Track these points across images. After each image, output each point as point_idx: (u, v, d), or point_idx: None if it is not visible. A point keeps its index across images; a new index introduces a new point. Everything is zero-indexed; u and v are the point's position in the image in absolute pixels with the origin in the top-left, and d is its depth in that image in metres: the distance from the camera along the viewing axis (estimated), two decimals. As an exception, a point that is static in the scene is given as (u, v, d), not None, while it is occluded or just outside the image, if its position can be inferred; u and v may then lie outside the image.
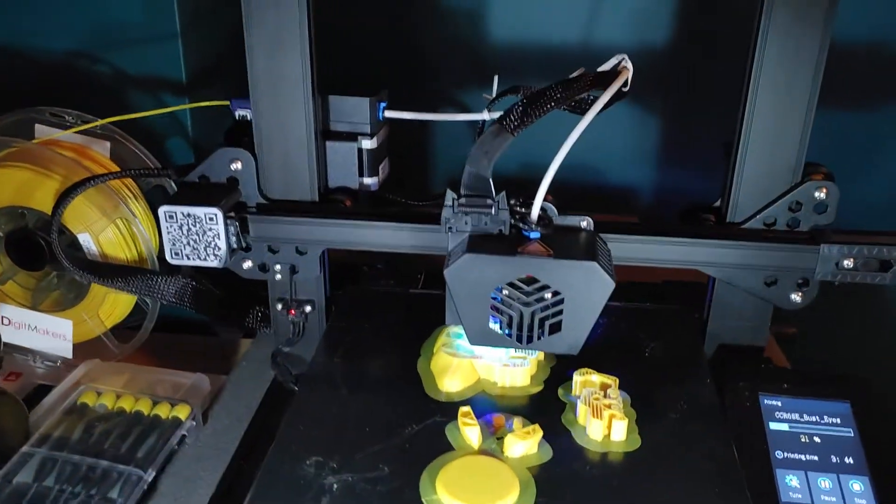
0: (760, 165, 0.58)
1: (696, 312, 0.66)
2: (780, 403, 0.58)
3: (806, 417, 0.58)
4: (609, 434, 0.53)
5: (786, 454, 0.55)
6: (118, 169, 0.71)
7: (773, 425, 0.57)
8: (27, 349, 0.75)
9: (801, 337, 0.87)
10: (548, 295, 0.53)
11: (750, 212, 0.60)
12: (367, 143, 0.63)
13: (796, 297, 0.60)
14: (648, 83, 0.85)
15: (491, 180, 0.54)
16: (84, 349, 0.74)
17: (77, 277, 0.69)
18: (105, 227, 0.69)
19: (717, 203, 0.62)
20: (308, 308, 0.66)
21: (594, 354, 0.58)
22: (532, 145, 0.62)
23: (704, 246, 0.59)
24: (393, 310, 0.68)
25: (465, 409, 0.54)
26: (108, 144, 0.73)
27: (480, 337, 0.56)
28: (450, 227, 0.56)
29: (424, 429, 0.54)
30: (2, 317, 0.74)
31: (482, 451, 0.52)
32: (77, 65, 0.76)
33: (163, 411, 0.64)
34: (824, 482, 0.54)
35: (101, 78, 0.76)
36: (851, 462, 0.55)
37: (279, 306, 0.66)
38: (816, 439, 0.56)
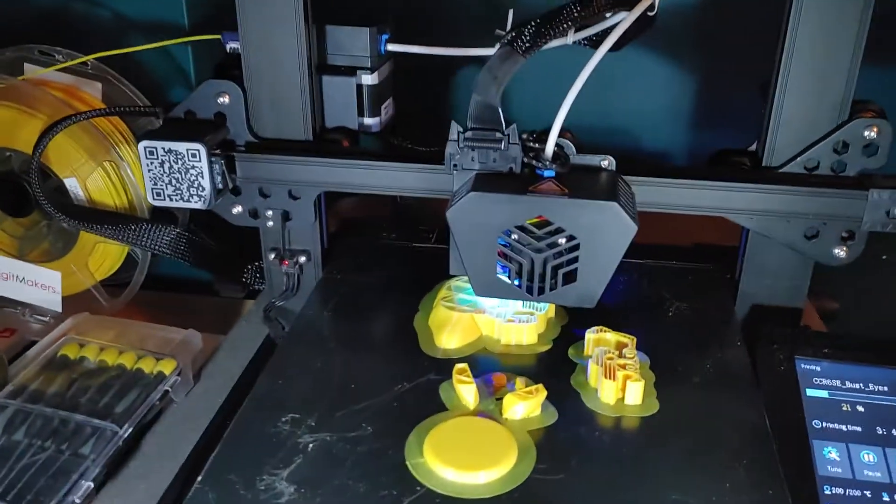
0: (801, 102, 0.52)
1: (729, 274, 0.61)
2: (818, 368, 0.52)
3: (848, 385, 0.51)
4: (623, 397, 0.48)
5: (825, 424, 0.49)
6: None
7: (811, 392, 0.51)
8: (16, 302, 0.71)
9: (845, 313, 0.80)
10: (562, 240, 0.48)
11: (789, 155, 0.53)
12: (368, 79, 0.58)
13: (840, 252, 0.54)
14: (683, 36, 0.78)
15: (501, 111, 0.49)
16: (74, 303, 0.70)
17: (62, 223, 0.65)
18: (92, 171, 0.65)
19: (754, 147, 0.56)
20: (303, 259, 0.62)
21: (611, 313, 0.53)
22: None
23: (736, 191, 0.53)
24: (394, 263, 0.63)
25: (461, 365, 0.49)
26: (99, 86, 0.69)
27: (487, 287, 0.51)
28: (455, 165, 0.50)
29: (416, 387, 0.49)
30: (-11, 267, 0.70)
31: (478, 413, 0.47)
32: (75, 7, 0.72)
33: (147, 366, 0.60)
34: (868, 455, 0.48)
35: (100, 21, 0.72)
36: (900, 434, 0.49)
37: (272, 256, 0.62)
38: (860, 408, 0.50)
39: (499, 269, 0.50)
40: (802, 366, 0.52)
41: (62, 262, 0.70)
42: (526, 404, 0.46)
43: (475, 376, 0.49)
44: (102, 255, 0.69)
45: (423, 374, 0.50)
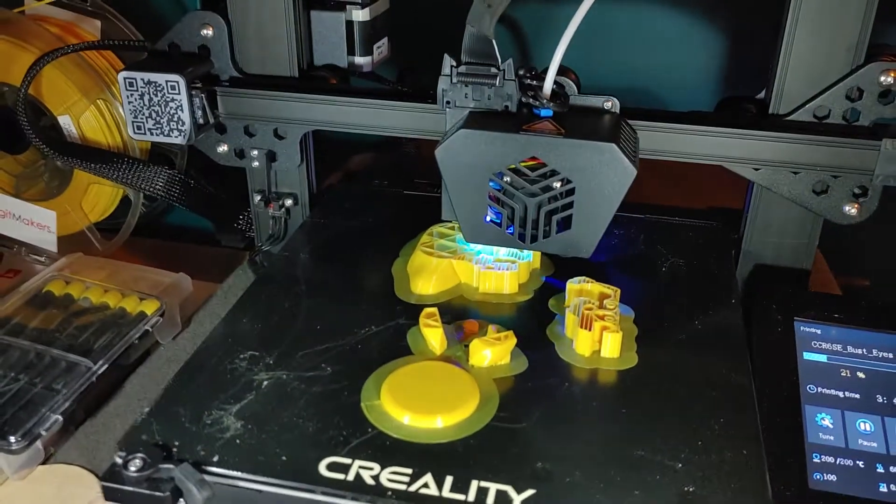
0: (813, 44, 0.48)
1: (735, 234, 0.57)
2: (818, 331, 0.49)
3: (850, 349, 0.48)
4: (599, 349, 0.45)
5: (820, 389, 0.46)
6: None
7: (808, 356, 0.48)
8: (13, 241, 0.71)
9: (874, 291, 0.76)
10: (557, 184, 0.45)
11: (798, 101, 0.50)
12: (359, 15, 0.56)
13: (851, 210, 0.50)
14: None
15: (495, 44, 0.46)
16: (69, 244, 0.70)
17: (53, 159, 0.64)
18: (85, 109, 0.64)
19: (762, 94, 0.52)
20: (289, 202, 0.60)
21: (601, 265, 0.51)
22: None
23: (739, 138, 0.49)
24: (382, 209, 0.61)
25: (430, 309, 0.47)
26: (98, 24, 0.68)
27: (477, 234, 0.48)
28: (448, 102, 0.48)
29: (384, 330, 0.47)
30: (-14, 203, 0.71)
31: (444, 358, 0.45)
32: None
33: (129, 305, 0.59)
34: (864, 424, 0.44)
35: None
36: (902, 404, 0.45)
37: (257, 199, 0.60)
38: (860, 375, 0.47)
39: (490, 214, 0.47)
40: (802, 328, 0.49)
41: (57, 201, 0.69)
42: (492, 350, 0.44)
43: (448, 323, 0.47)
44: (96, 196, 0.68)
45: (394, 319, 0.48)
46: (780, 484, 0.41)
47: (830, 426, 0.44)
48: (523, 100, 0.47)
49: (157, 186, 0.64)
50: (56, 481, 0.49)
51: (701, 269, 0.53)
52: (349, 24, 0.56)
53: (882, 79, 0.47)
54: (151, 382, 0.57)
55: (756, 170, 0.50)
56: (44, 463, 0.50)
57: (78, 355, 0.54)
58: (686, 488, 0.37)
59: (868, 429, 0.44)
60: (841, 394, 0.46)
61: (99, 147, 0.65)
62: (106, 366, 0.54)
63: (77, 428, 0.53)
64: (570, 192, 0.45)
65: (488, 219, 0.48)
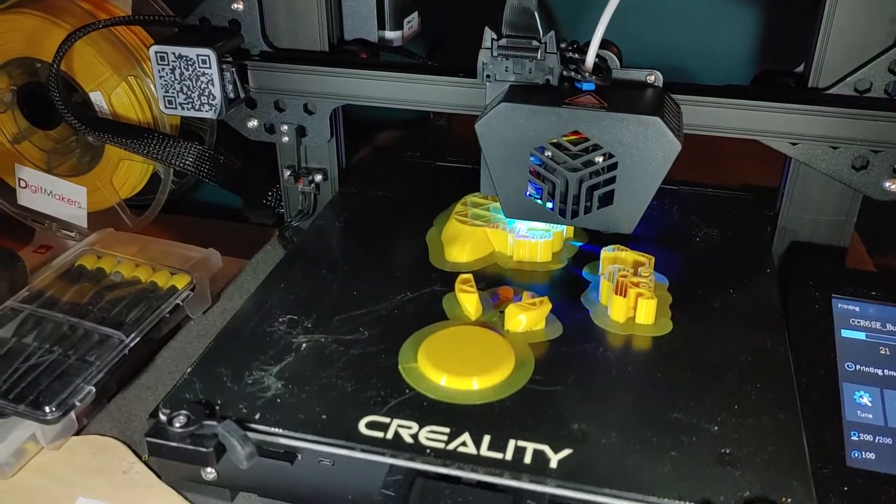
0: (854, 15, 0.47)
1: (771, 210, 0.56)
2: (857, 309, 0.48)
3: (889, 327, 0.47)
4: (634, 316, 0.45)
5: (858, 367, 0.45)
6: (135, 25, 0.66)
7: (846, 333, 0.47)
8: (44, 215, 0.72)
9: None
10: (599, 158, 0.45)
11: (838, 75, 0.49)
12: (389, -11, 0.56)
13: (891, 186, 0.49)
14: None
15: (538, 16, 0.45)
16: (99, 220, 0.71)
17: (84, 134, 0.65)
18: (117, 86, 0.64)
19: (801, 68, 0.51)
20: (318, 177, 0.60)
21: (634, 234, 0.50)
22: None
23: (777, 111, 0.48)
24: (414, 180, 0.61)
25: (465, 275, 0.48)
26: (129, 0, 0.68)
27: (517, 209, 0.48)
28: (488, 76, 0.47)
29: (420, 297, 0.48)
30: (19, 178, 0.71)
31: (479, 323, 0.45)
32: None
33: (161, 279, 0.59)
34: (904, 402, 0.44)
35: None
36: (943, 382, 0.44)
37: (287, 174, 0.60)
38: (900, 352, 0.46)
39: (531, 190, 0.47)
40: (840, 305, 0.48)
41: (88, 177, 0.70)
42: (528, 315, 0.45)
43: (483, 290, 0.48)
44: (126, 172, 0.69)
45: (429, 286, 0.49)
46: (818, 462, 0.41)
47: (869, 404, 0.44)
48: (565, 73, 0.46)
49: (188, 162, 0.65)
50: (89, 451, 0.50)
51: (735, 239, 0.53)
52: (380, -3, 0.56)
53: (927, 50, 0.46)
54: (182, 356, 0.57)
55: (794, 144, 0.49)
56: (77, 434, 0.51)
57: (110, 328, 0.54)
58: (722, 450, 0.37)
59: (908, 407, 0.43)
60: (880, 371, 0.45)
61: (130, 123, 0.65)
62: (138, 339, 0.54)
63: (110, 400, 0.53)
64: (613, 166, 0.45)
65: (528, 193, 0.47)
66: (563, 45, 0.46)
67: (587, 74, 0.45)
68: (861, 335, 0.47)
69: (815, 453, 0.41)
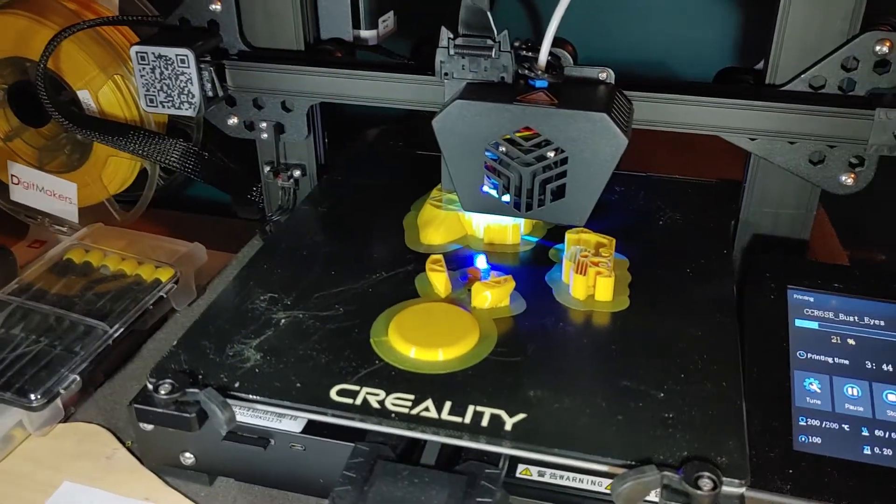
0: (808, 12, 0.48)
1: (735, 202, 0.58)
2: (811, 299, 0.50)
3: (842, 317, 0.49)
4: (594, 294, 0.48)
5: (809, 355, 0.47)
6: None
7: (800, 322, 0.48)
8: (36, 211, 0.74)
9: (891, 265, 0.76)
10: (551, 153, 0.46)
11: (794, 72, 0.50)
12: (363, -11, 0.57)
13: (847, 180, 0.51)
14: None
15: (490, 16, 0.47)
16: (90, 215, 0.73)
17: (71, 132, 0.67)
18: (103, 84, 0.66)
19: (761, 65, 0.53)
20: (297, 173, 0.62)
21: (600, 218, 0.52)
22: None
23: (735, 108, 0.50)
24: (394, 169, 0.63)
25: (436, 256, 0.51)
26: (116, 1, 0.69)
27: (474, 202, 0.50)
28: (445, 74, 0.49)
29: (394, 276, 0.51)
30: (12, 175, 0.73)
31: (448, 300, 0.48)
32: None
33: (146, 273, 0.61)
34: (852, 389, 0.45)
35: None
36: (891, 370, 0.46)
37: (267, 169, 0.62)
38: (850, 342, 0.47)
39: (487, 184, 0.49)
40: (794, 296, 0.50)
41: (78, 173, 0.72)
42: (493, 292, 0.47)
43: (453, 270, 0.50)
44: (115, 169, 0.71)
45: (403, 266, 0.52)
46: (765, 445, 0.42)
47: (818, 391, 0.45)
48: (519, 71, 0.48)
49: (173, 158, 0.66)
50: (75, 438, 0.52)
51: (698, 221, 0.56)
52: (354, -2, 0.57)
53: (877, 48, 0.48)
54: (167, 347, 0.58)
55: (752, 140, 0.51)
56: (64, 421, 0.53)
57: (95, 319, 0.56)
58: (666, 414, 0.40)
59: (855, 393, 0.45)
60: (830, 360, 0.47)
61: (116, 120, 0.67)
62: (122, 329, 0.56)
63: (96, 389, 0.55)
64: (564, 161, 0.46)
65: (485, 188, 0.49)
66: (517, 44, 0.48)
67: (540, 72, 0.47)
68: (814, 325, 0.48)
69: (763, 438, 0.43)
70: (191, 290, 0.63)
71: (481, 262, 0.52)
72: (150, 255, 0.64)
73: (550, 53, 0.47)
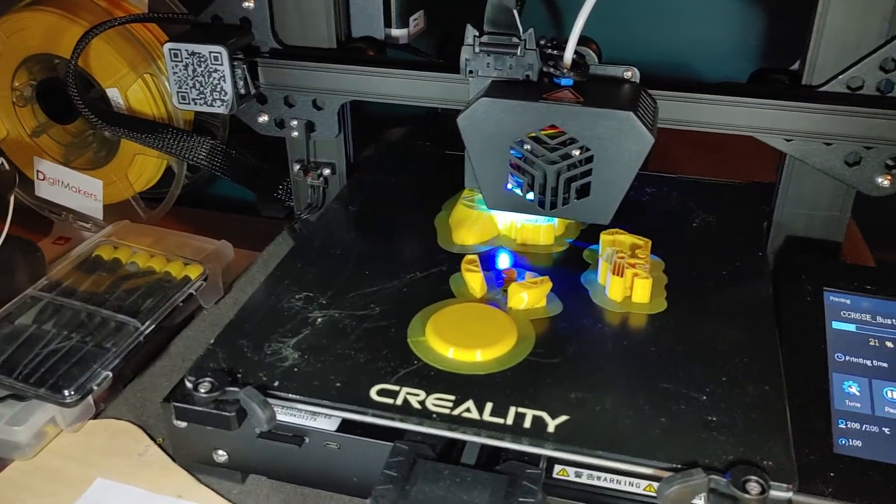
0: (847, 13, 0.48)
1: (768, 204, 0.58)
2: (848, 301, 0.49)
3: (880, 319, 0.48)
4: (630, 295, 0.48)
5: (848, 358, 0.47)
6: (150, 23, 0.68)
7: (837, 325, 0.48)
8: (61, 207, 0.74)
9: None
10: (576, 152, 0.46)
11: (831, 73, 0.50)
12: (395, -12, 0.57)
13: (883, 181, 0.50)
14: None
15: (517, 15, 0.47)
16: (114, 213, 0.73)
17: (101, 129, 0.67)
18: (133, 83, 0.66)
19: (796, 65, 0.52)
20: (327, 171, 0.62)
21: (634, 219, 0.53)
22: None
23: (771, 108, 0.49)
24: (423, 168, 0.64)
25: (471, 256, 0.50)
26: (145, -1, 0.70)
27: (498, 200, 0.50)
28: (470, 72, 0.49)
29: (428, 276, 0.51)
30: (38, 171, 0.73)
31: (484, 300, 0.48)
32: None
33: (175, 270, 0.61)
34: (892, 392, 0.45)
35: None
36: (929, 373, 0.46)
37: (297, 168, 0.62)
38: (889, 344, 0.47)
39: (511, 182, 0.49)
40: (831, 298, 0.49)
41: (104, 171, 0.72)
42: (529, 293, 0.47)
43: (488, 271, 0.50)
44: (141, 166, 0.71)
45: (437, 266, 0.52)
46: (805, 448, 0.42)
47: (857, 393, 0.45)
48: (544, 69, 0.48)
49: (200, 156, 0.67)
50: (106, 434, 0.52)
51: (731, 223, 0.56)
52: (386, -4, 0.57)
53: (917, 49, 0.47)
54: (195, 344, 0.59)
55: (788, 141, 0.51)
56: (95, 417, 0.53)
57: (126, 316, 0.56)
58: (709, 417, 0.40)
59: (895, 396, 0.45)
60: (869, 362, 0.46)
61: (145, 118, 0.67)
62: (152, 326, 0.56)
63: (125, 386, 0.55)
64: (589, 159, 0.46)
65: (509, 186, 0.49)
66: (542, 42, 0.47)
67: (565, 70, 0.47)
68: (851, 327, 0.48)
69: (803, 440, 0.42)
70: (218, 287, 0.63)
71: (503, 261, 0.52)
72: (177, 252, 0.64)
73: (575, 52, 0.47)
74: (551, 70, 0.47)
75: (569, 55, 0.47)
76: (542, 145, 0.47)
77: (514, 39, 0.47)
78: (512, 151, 0.47)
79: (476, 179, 0.49)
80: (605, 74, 0.49)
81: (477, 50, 0.48)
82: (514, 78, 0.48)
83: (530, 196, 0.48)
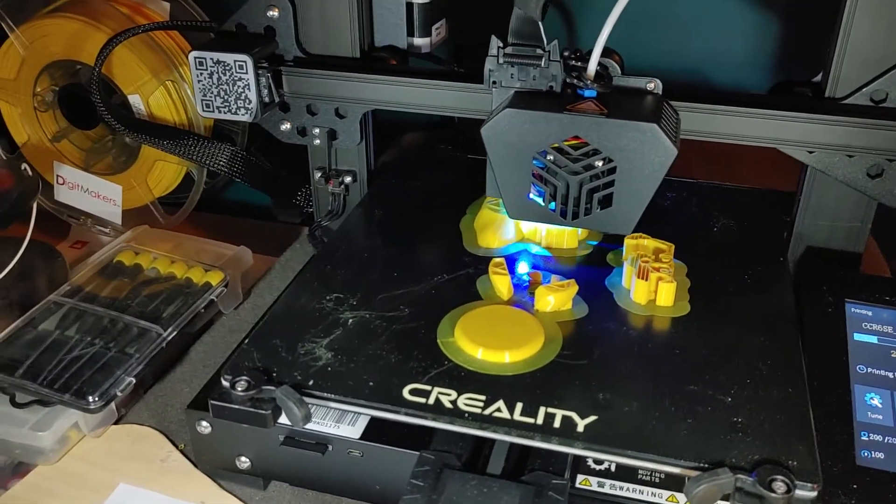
0: (870, 26, 0.48)
1: (788, 214, 0.58)
2: (869, 313, 0.49)
3: (902, 332, 0.49)
4: (655, 299, 0.48)
5: (869, 369, 0.47)
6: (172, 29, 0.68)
7: (859, 336, 0.48)
8: (80, 211, 0.75)
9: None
10: (599, 163, 0.47)
11: (855, 85, 0.50)
12: (418, -3, 0.57)
13: (906, 194, 0.51)
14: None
15: (542, 26, 0.47)
16: (133, 218, 0.73)
17: (122, 135, 0.67)
18: (155, 90, 0.67)
19: (819, 77, 0.53)
20: (348, 179, 0.62)
21: (656, 224, 0.53)
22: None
23: (794, 121, 0.50)
24: (447, 172, 0.64)
25: (498, 259, 0.51)
26: (167, 6, 0.70)
27: (521, 210, 0.50)
28: (494, 82, 0.49)
29: (455, 278, 0.51)
30: (58, 175, 0.74)
31: (511, 303, 0.49)
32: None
33: (195, 276, 0.62)
34: (914, 405, 0.45)
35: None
36: (952, 386, 0.46)
37: (318, 175, 0.62)
38: (911, 356, 0.47)
39: (534, 192, 0.49)
40: (852, 310, 0.50)
41: (123, 176, 0.72)
42: (556, 296, 0.48)
43: (514, 274, 0.51)
44: (161, 172, 0.71)
45: (463, 268, 0.52)
46: (828, 460, 0.42)
47: (879, 406, 0.45)
48: (568, 80, 0.48)
49: (221, 162, 0.67)
50: (129, 439, 0.52)
51: (752, 228, 0.56)
52: (409, 6, 0.58)
53: (941, 63, 0.48)
54: (215, 350, 0.59)
55: (810, 153, 0.51)
56: (116, 423, 0.53)
57: (149, 322, 0.56)
58: (735, 419, 0.40)
59: (917, 409, 0.45)
60: (891, 374, 0.46)
61: (166, 124, 0.68)
62: (174, 333, 0.56)
63: (146, 391, 0.56)
64: (612, 170, 0.47)
65: (531, 196, 0.49)
66: (566, 54, 0.48)
67: (589, 82, 0.47)
68: (873, 339, 0.48)
69: (825, 452, 0.42)
70: (237, 293, 0.64)
71: (529, 264, 0.53)
72: (196, 258, 0.65)
73: (599, 63, 0.47)
74: (575, 81, 0.48)
75: (592, 67, 0.47)
76: (566, 156, 0.47)
77: (539, 51, 0.48)
78: (535, 161, 0.48)
79: (498, 188, 0.50)
80: (628, 86, 0.49)
81: (501, 61, 0.48)
82: (537, 89, 0.49)
83: (552, 206, 0.49)
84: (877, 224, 0.68)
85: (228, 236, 0.72)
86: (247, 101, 0.56)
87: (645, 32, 0.73)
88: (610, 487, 0.42)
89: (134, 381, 0.52)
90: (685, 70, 0.77)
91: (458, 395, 0.42)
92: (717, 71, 0.78)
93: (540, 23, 0.47)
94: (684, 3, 0.75)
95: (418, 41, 0.59)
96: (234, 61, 0.54)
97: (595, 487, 0.43)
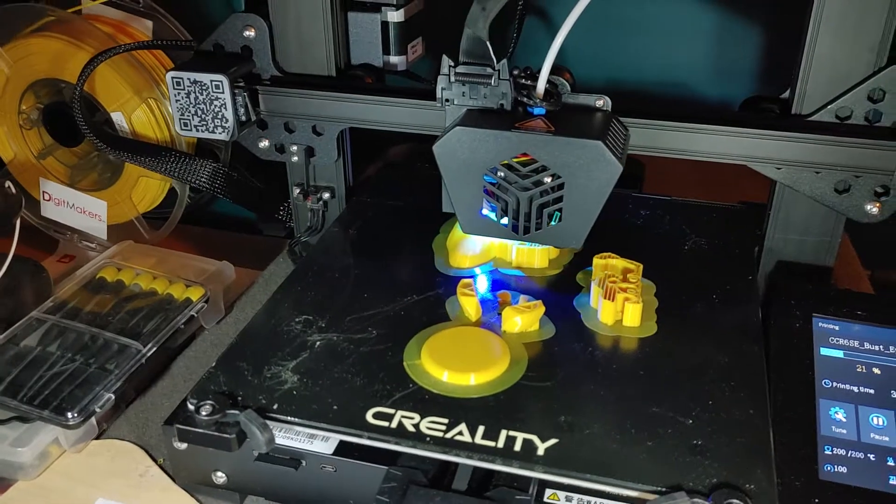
0: (835, 44, 0.49)
1: (759, 228, 0.59)
2: (836, 328, 0.50)
3: (867, 346, 0.49)
4: (622, 319, 0.49)
5: (835, 384, 0.47)
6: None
7: (825, 351, 0.49)
8: (66, 227, 0.75)
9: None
10: (548, 179, 0.47)
11: (820, 102, 0.51)
12: (394, 16, 0.58)
13: (872, 209, 0.51)
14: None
15: (489, 46, 0.48)
16: (118, 233, 0.74)
17: (104, 153, 0.68)
18: (137, 107, 0.67)
19: (787, 94, 0.53)
20: (326, 195, 0.63)
21: (627, 242, 0.54)
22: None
23: (761, 138, 0.50)
24: (423, 190, 0.65)
25: (466, 280, 0.52)
26: (149, 24, 0.71)
27: (474, 225, 0.51)
28: (446, 100, 0.50)
29: (424, 299, 0.52)
30: (43, 192, 0.75)
31: (478, 324, 0.49)
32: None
33: (177, 291, 0.62)
34: (877, 419, 0.46)
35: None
36: (916, 400, 0.46)
37: (296, 192, 0.63)
38: (875, 370, 0.48)
39: (486, 208, 0.50)
40: (820, 324, 0.50)
41: (108, 192, 0.73)
42: (523, 317, 0.48)
43: (483, 294, 0.52)
44: (145, 188, 0.72)
45: (433, 289, 0.53)
46: (791, 474, 0.43)
47: (843, 420, 0.46)
48: (518, 98, 0.49)
49: (202, 179, 0.68)
50: (109, 455, 0.53)
51: (721, 246, 0.57)
52: (384, 24, 0.58)
53: (904, 80, 0.48)
54: (196, 364, 0.60)
55: (778, 169, 0.52)
56: (97, 438, 0.54)
57: (129, 338, 0.57)
58: (695, 441, 0.41)
59: (881, 423, 0.45)
60: (856, 388, 0.47)
61: (148, 142, 0.68)
62: (154, 348, 0.57)
63: (128, 406, 0.56)
64: (560, 186, 0.47)
65: (484, 211, 0.50)
66: (515, 72, 0.49)
67: (538, 100, 0.48)
68: (839, 353, 0.49)
69: (788, 466, 0.43)
70: (219, 308, 0.64)
71: (481, 283, 0.53)
72: (179, 273, 0.65)
73: (548, 81, 0.48)
74: (524, 100, 0.48)
75: (541, 85, 0.48)
76: (515, 173, 0.48)
77: (489, 70, 0.48)
78: (486, 178, 0.49)
79: (452, 205, 0.50)
80: (578, 103, 0.50)
81: (452, 79, 0.49)
82: (488, 107, 0.49)
83: (504, 221, 0.49)
84: (856, 231, 0.68)
85: (213, 249, 0.73)
86: (224, 119, 0.56)
87: (614, 46, 0.74)
88: (578, 502, 0.43)
89: (113, 397, 0.53)
90: (662, 80, 0.78)
91: (422, 418, 0.42)
92: (693, 80, 0.78)
93: (487, 42, 0.48)
94: (664, 16, 0.76)
95: (394, 59, 0.60)
96: (211, 81, 0.55)
97: (563, 502, 0.43)
